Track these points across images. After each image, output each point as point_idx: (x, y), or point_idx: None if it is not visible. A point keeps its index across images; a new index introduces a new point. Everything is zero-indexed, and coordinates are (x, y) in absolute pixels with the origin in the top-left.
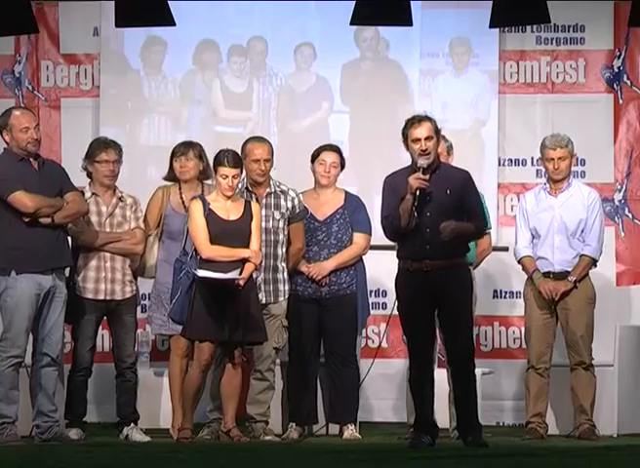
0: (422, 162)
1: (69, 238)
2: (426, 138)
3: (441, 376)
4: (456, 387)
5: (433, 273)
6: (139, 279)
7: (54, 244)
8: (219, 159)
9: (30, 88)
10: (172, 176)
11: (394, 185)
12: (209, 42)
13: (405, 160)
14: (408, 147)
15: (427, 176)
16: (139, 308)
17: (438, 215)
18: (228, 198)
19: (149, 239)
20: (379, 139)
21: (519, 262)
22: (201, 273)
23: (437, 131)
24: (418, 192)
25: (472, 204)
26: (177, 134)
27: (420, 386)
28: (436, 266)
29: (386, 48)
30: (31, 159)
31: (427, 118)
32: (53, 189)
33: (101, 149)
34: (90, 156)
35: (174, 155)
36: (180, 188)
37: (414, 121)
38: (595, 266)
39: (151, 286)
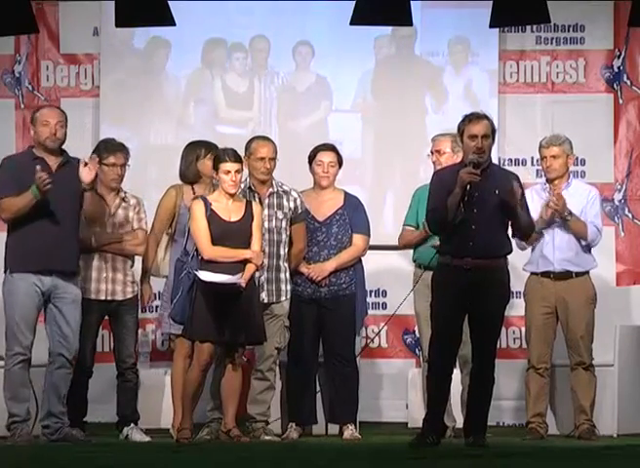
0: (473, 157)
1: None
2: (483, 137)
3: None
4: (472, 387)
5: (472, 272)
6: (151, 278)
7: (52, 245)
8: (219, 157)
9: (30, 88)
10: (195, 176)
11: (443, 179)
12: (215, 41)
13: (415, 158)
14: (462, 142)
15: (479, 171)
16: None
17: (484, 214)
18: (231, 196)
19: (163, 237)
20: (389, 139)
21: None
22: (203, 277)
23: (494, 130)
24: (468, 186)
25: (523, 204)
26: (176, 134)
27: (437, 384)
28: (477, 265)
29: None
30: (52, 158)
31: (486, 117)
32: (69, 191)
33: (110, 152)
34: (97, 158)
35: (209, 156)
36: (192, 188)
37: (472, 117)
38: (595, 265)
39: (163, 284)
